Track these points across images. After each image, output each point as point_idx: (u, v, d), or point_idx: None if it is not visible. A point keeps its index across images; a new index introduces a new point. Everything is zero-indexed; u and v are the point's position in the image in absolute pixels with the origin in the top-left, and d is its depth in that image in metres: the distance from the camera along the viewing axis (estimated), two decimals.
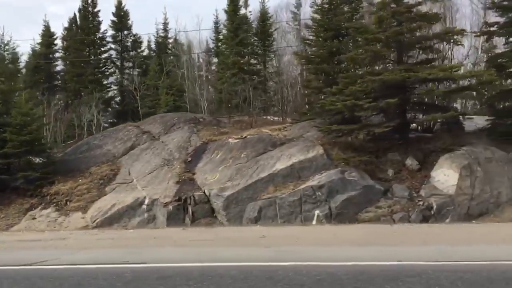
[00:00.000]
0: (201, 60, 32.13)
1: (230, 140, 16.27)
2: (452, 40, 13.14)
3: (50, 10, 67.57)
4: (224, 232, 11.85)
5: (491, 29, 14.63)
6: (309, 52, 17.75)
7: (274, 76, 24.91)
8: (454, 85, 13.17)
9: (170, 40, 32.13)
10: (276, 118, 20.34)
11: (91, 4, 30.49)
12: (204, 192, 13.69)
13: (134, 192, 14.84)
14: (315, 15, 17.22)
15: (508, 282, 4.76)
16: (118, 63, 31.76)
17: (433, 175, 12.62)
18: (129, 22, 31.31)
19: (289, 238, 9.92)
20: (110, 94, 30.63)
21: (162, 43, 31.76)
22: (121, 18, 30.98)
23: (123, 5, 30.72)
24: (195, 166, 15.49)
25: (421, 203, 11.96)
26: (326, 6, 16.21)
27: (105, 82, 29.94)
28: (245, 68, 24.22)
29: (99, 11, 30.49)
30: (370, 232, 10.72)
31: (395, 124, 13.50)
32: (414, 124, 14.58)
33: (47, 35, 30.46)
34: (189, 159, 15.98)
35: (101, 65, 29.97)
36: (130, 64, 32.01)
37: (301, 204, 12.34)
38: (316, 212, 12.13)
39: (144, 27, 68.55)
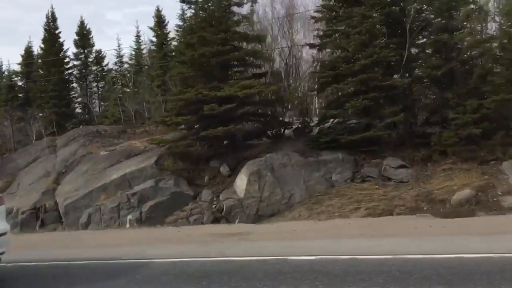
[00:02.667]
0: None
1: (101, 152, 18.14)
2: (261, 58, 14.36)
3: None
4: (54, 235, 13.82)
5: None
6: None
7: None
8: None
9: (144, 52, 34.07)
10: None
11: (52, 26, 32.98)
12: (55, 201, 15.65)
13: (10, 202, 16.96)
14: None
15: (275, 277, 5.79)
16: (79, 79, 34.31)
17: (235, 180, 14.04)
18: (92, 40, 33.74)
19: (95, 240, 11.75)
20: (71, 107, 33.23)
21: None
22: (83, 36, 33.51)
23: (85, 24, 33.38)
24: (64, 177, 17.44)
25: (214, 206, 13.45)
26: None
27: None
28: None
29: (60, 32, 32.96)
30: (164, 232, 12.43)
31: (221, 134, 14.90)
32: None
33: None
34: (64, 170, 17.90)
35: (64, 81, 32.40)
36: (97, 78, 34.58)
37: (119, 210, 14.06)
38: (129, 217, 13.82)
39: None
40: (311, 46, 15.67)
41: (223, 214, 13.19)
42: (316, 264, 6.43)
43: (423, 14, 14.71)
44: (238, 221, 13.12)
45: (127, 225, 13.76)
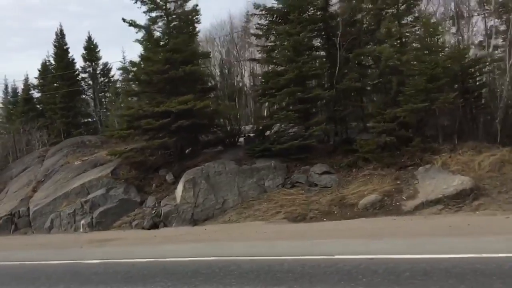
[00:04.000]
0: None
1: (75, 162, 19.95)
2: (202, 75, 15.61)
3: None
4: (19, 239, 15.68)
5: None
6: None
7: None
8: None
9: None
10: None
11: (62, 43, 35.33)
12: (28, 207, 17.52)
13: None
14: None
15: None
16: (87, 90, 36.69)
17: (177, 187, 15.37)
18: (99, 53, 35.92)
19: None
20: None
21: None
22: (91, 50, 35.81)
23: (92, 39, 35.65)
24: (42, 185, 19.35)
25: (154, 211, 14.84)
26: None
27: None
28: None
29: (68, 47, 35.26)
30: (105, 236, 13.97)
31: (167, 144, 16.29)
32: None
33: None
34: (43, 179, 19.84)
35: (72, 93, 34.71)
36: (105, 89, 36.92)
37: (75, 215, 15.70)
38: (82, 222, 15.43)
39: None
40: (252, 61, 16.78)
41: (161, 219, 14.55)
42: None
43: (352, 29, 15.47)
44: (174, 225, 14.46)
45: (81, 229, 15.36)
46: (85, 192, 16.47)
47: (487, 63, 14.30)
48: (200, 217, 14.54)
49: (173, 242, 11.14)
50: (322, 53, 16.13)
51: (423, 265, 5.76)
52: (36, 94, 39.34)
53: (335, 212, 12.94)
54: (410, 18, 14.50)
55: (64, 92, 33.73)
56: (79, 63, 35.05)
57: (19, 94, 41.61)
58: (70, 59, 34.97)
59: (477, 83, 14.29)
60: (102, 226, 15.10)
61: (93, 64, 36.24)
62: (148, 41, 15.72)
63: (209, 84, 17.40)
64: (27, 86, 38.70)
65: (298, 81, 14.63)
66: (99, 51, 36.88)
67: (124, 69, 17.27)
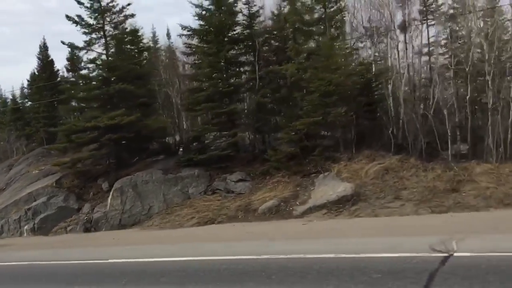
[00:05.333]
0: None
1: (34, 171, 21.61)
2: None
3: None
4: None
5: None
6: None
7: None
8: None
9: None
10: None
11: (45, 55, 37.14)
12: None
13: None
14: None
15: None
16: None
17: (109, 195, 16.91)
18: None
19: None
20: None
21: None
22: (73, 61, 37.52)
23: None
24: (2, 193, 21.06)
25: (86, 217, 16.40)
26: None
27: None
28: None
29: (51, 59, 36.99)
30: (46, 241, 15.54)
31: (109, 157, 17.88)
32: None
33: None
34: (4, 187, 21.60)
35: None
36: None
37: (20, 221, 17.33)
38: (26, 227, 17.05)
39: None
40: (184, 77, 18.29)
41: (92, 224, 16.09)
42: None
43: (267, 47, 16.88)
44: (104, 229, 16.01)
45: (25, 234, 16.98)
46: (32, 200, 18.05)
47: (388, 77, 15.55)
48: (128, 223, 16.03)
49: (65, 247, 12.46)
50: (247, 68, 17.41)
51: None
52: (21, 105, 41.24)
53: (240, 217, 14.33)
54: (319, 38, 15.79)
55: (47, 102, 35.75)
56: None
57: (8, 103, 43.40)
58: (55, 70, 36.80)
59: (376, 96, 15.53)
60: (43, 232, 16.66)
61: (76, 74, 38.04)
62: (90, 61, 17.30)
63: (157, 98, 19.03)
64: (14, 95, 40.65)
65: (216, 96, 16.04)
66: (82, 61, 38.34)
67: (65, 87, 18.80)
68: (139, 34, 21.34)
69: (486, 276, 4.42)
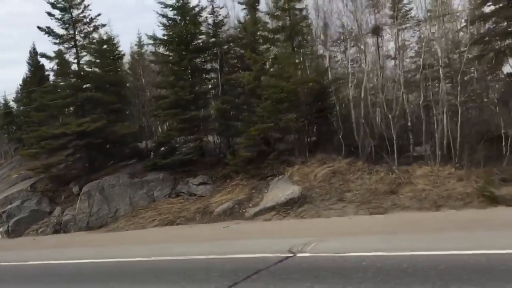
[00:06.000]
0: None
1: (14, 175, 22.48)
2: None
3: None
4: None
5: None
6: None
7: None
8: None
9: None
10: None
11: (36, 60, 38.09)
12: None
13: None
14: None
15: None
16: None
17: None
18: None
19: None
20: None
21: None
22: (62, 65, 38.44)
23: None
24: None
25: (56, 220, 17.22)
26: None
27: None
28: None
29: (41, 64, 37.97)
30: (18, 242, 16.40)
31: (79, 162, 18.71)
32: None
33: None
34: None
35: None
36: None
37: None
38: (0, 229, 17.91)
39: None
40: (150, 84, 19.12)
41: (61, 226, 16.92)
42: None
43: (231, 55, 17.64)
44: (73, 231, 16.83)
45: (0, 236, 17.84)
46: (8, 203, 18.91)
47: (340, 83, 16.28)
48: (95, 225, 16.85)
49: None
50: (213, 75, 18.18)
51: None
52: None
53: (197, 219, 15.10)
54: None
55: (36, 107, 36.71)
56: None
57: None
58: (45, 75, 37.71)
59: (331, 102, 16.25)
60: (16, 234, 17.51)
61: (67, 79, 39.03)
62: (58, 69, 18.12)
63: (131, 104, 19.90)
64: (7, 100, 41.54)
65: (180, 103, 16.82)
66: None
67: (38, 94, 19.64)
68: (115, 42, 22.24)
69: (302, 274, 5.00)
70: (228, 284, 4.76)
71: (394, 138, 14.69)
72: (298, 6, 18.41)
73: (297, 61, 16.35)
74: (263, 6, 18.69)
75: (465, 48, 16.69)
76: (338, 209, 13.25)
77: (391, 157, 14.63)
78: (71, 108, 18.75)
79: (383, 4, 21.18)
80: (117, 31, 66.60)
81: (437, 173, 13.68)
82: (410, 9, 21.92)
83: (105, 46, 21.44)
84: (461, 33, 17.36)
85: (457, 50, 16.90)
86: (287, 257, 5.72)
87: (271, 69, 15.79)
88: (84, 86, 18.30)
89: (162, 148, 18.20)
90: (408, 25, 20.57)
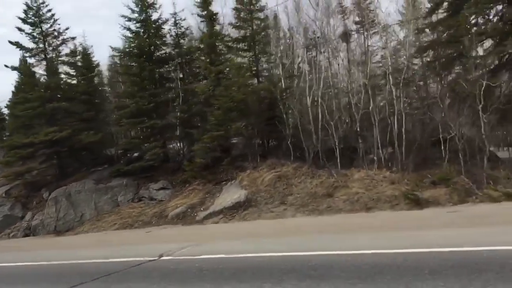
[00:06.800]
0: None
1: None
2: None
3: None
4: None
5: None
6: None
7: None
8: None
9: None
10: None
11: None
12: None
13: None
14: None
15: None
16: None
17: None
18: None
19: None
20: None
21: None
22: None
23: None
24: None
25: (27, 224, 18.24)
26: None
27: None
28: None
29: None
30: None
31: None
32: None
33: None
34: None
35: None
36: None
37: None
38: None
39: None
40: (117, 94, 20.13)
41: (31, 230, 17.94)
42: None
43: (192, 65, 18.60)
44: (41, 234, 17.84)
45: None
46: None
47: (290, 92, 17.16)
48: (62, 229, 17.84)
49: None
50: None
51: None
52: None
53: (153, 222, 16.03)
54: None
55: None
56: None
57: None
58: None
59: (281, 110, 17.10)
60: None
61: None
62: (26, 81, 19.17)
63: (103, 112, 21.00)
64: None
65: (139, 112, 17.78)
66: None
67: (11, 105, 20.71)
68: (89, 52, 23.31)
69: (148, 275, 5.75)
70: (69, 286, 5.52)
71: (337, 144, 15.53)
72: (261, 16, 19.41)
73: (254, 70, 17.28)
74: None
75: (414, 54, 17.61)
76: (279, 212, 14.15)
77: (332, 163, 15.47)
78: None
79: (352, 11, 22.17)
80: (111, 41, 67.90)
81: (373, 177, 14.52)
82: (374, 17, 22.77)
83: (79, 57, 22.61)
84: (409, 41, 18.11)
85: (404, 57, 17.68)
86: (149, 261, 6.59)
87: (224, 79, 16.59)
88: (55, 96, 19.16)
89: (128, 155, 19.11)
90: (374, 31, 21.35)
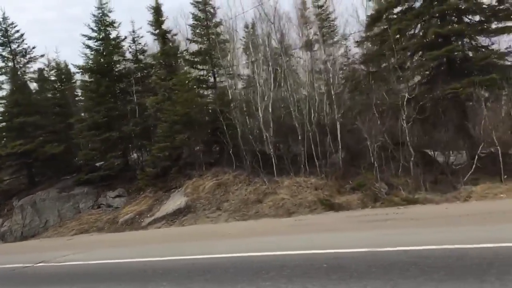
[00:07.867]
0: None
1: None
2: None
3: None
4: None
5: None
6: None
7: None
8: None
9: None
10: None
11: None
12: None
13: None
14: None
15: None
16: None
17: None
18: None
19: None
20: None
21: None
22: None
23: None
24: None
25: None
26: None
27: None
28: None
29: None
30: None
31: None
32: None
33: None
34: None
35: None
36: None
37: None
38: None
39: None
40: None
41: (0, 237, 19.46)
42: None
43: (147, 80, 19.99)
44: (8, 241, 19.35)
45: None
46: None
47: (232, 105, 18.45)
48: (29, 234, 19.32)
49: None
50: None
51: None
52: None
53: (106, 228, 17.44)
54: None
55: None
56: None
57: None
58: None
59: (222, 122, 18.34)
60: None
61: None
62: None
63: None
64: None
65: (96, 126, 19.20)
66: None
67: None
68: (61, 67, 24.91)
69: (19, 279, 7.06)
70: None
71: (272, 153, 16.78)
72: (218, 30, 20.73)
73: (211, 83, 18.71)
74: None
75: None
76: (214, 217, 15.43)
77: (267, 171, 16.70)
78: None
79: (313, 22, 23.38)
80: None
81: (300, 183, 15.74)
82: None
83: (52, 71, 24.20)
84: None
85: (341, 71, 18.87)
86: (25, 267, 7.96)
87: (174, 93, 17.92)
88: (23, 111, 20.64)
89: (93, 164, 20.55)
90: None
